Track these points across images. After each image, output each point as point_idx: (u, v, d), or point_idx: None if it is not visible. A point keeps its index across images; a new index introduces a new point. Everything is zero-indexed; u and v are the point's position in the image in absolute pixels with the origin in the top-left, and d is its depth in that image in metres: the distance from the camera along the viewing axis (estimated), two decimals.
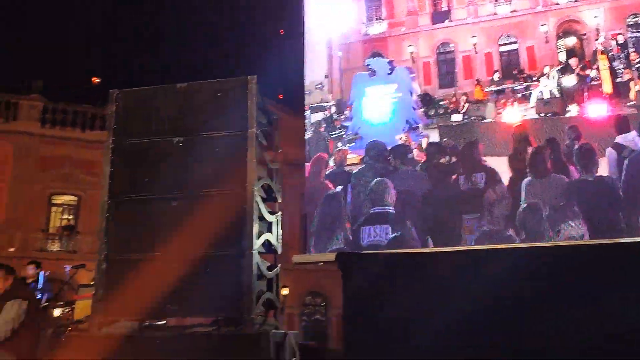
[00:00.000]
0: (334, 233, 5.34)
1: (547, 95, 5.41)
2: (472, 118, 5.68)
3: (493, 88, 5.73)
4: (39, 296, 6.83)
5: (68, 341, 3.11)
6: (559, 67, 5.45)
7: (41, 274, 7.66)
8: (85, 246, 21.08)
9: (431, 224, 5.07)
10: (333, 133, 6.04)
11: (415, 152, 5.59)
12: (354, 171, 5.56)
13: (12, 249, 18.73)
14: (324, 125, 6.12)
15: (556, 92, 5.36)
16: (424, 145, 5.60)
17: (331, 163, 5.81)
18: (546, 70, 5.51)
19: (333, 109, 6.16)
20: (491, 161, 5.12)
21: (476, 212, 4.97)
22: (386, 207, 5.21)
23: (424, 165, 5.42)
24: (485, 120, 5.60)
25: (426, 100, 5.90)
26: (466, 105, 5.79)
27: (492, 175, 5.03)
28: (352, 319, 3.44)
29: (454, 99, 5.87)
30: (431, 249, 4.78)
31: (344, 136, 5.96)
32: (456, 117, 5.75)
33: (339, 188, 5.46)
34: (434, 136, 5.63)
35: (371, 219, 5.20)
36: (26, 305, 4.53)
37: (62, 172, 21.89)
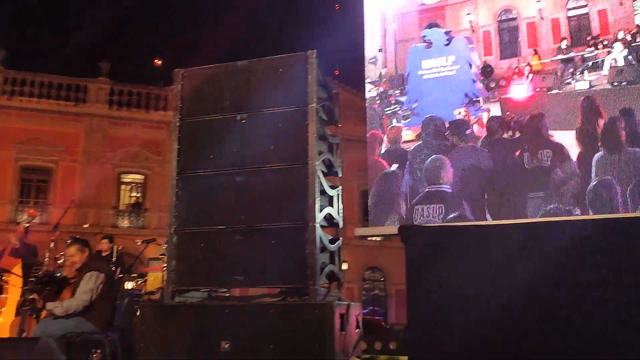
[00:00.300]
0: (388, 214, 5.30)
1: (621, 63, 5.10)
2: (537, 89, 5.44)
3: (560, 57, 5.45)
4: (112, 269, 7.18)
5: (142, 309, 3.27)
6: (636, 31, 5.10)
7: (114, 248, 8.05)
8: (153, 222, 22.02)
9: (492, 203, 4.91)
10: (387, 109, 5.90)
11: (475, 128, 5.36)
12: (410, 148, 5.43)
13: (86, 225, 19.77)
14: (378, 102, 5.98)
15: (631, 59, 5.05)
16: (485, 119, 5.39)
17: (385, 140, 5.69)
18: (620, 35, 5.17)
19: (387, 84, 6.00)
20: (558, 135, 4.88)
21: (542, 190, 4.78)
22: (442, 186, 5.08)
23: (484, 141, 5.20)
24: (552, 92, 5.33)
25: (486, 71, 5.62)
26: (530, 75, 5.53)
27: (559, 152, 4.82)
28: (414, 291, 3.46)
29: (516, 70, 5.60)
30: (495, 222, 4.66)
31: (399, 112, 5.79)
32: (519, 89, 5.48)
33: (394, 167, 5.37)
34: (496, 110, 5.36)
35: (425, 199, 5.09)
36: (102, 277, 4.81)
37: (129, 152, 22.80)
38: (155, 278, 6.72)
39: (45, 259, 6.83)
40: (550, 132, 4.90)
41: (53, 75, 22.11)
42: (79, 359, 4.72)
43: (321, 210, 3.23)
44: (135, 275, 7.60)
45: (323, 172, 3.35)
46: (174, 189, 3.44)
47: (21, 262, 6.02)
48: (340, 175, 3.63)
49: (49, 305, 4.73)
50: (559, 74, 5.31)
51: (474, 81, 5.55)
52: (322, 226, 3.23)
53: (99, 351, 5.31)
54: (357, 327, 3.29)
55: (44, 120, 22.03)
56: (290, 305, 2.98)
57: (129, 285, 6.72)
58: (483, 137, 5.22)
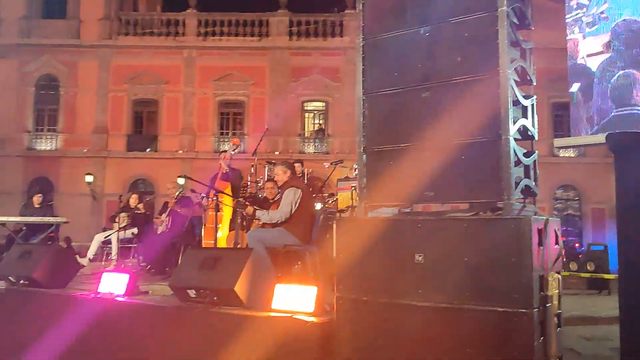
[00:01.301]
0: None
1: None
2: None
3: None
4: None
5: (338, 225, 3.49)
6: None
7: (305, 171, 8.61)
8: (336, 147, 22.99)
9: None
10: (568, 15, 5.03)
11: None
12: (597, 63, 4.64)
13: (277, 152, 21.42)
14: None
15: None
16: None
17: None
18: None
19: None
20: None
21: None
22: (634, 109, 4.34)
23: None
24: None
25: None
26: None
27: None
28: (626, 209, 3.18)
29: None
30: None
31: (583, 18, 5.00)
32: None
33: (576, 86, 4.70)
34: None
35: (613, 124, 4.40)
36: (300, 192, 5.25)
37: (310, 81, 23.75)
38: (344, 197, 7.11)
39: (248, 182, 7.60)
40: None
41: (238, 13, 23.58)
42: (284, 267, 5.29)
43: (515, 122, 3.06)
44: (326, 195, 8.12)
45: (515, 81, 3.14)
46: (360, 110, 3.53)
47: (230, 185, 6.77)
48: (534, 83, 3.37)
49: (258, 212, 5.35)
50: None
51: None
52: (515, 139, 3.07)
53: (299, 263, 5.86)
54: (556, 242, 3.14)
55: (234, 57, 23.82)
56: (484, 220, 2.93)
57: (317, 206, 7.18)
58: None
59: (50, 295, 4.86)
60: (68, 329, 4.38)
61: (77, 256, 7.48)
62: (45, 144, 24.24)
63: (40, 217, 8.23)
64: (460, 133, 3.07)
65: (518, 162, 3.07)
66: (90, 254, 7.82)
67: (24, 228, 8.47)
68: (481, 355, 2.78)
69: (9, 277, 5.24)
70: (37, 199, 8.92)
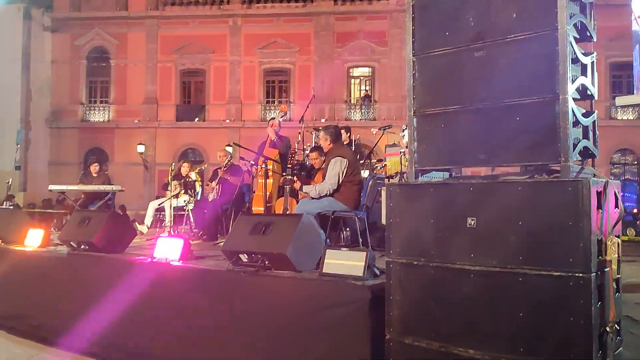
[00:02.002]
0: None
1: None
2: None
3: None
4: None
5: (388, 190, 3.46)
6: None
7: (352, 138, 8.56)
8: (382, 113, 22.77)
9: None
10: None
11: None
12: None
13: (323, 120, 21.38)
14: None
15: None
16: None
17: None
18: None
19: None
20: None
21: None
22: None
23: None
24: None
25: None
26: None
27: None
28: None
29: None
30: None
31: None
32: None
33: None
34: None
35: None
36: (346, 162, 5.25)
37: (356, 46, 23.43)
38: (393, 163, 7.06)
39: (296, 150, 7.64)
40: None
41: None
42: (332, 233, 5.34)
43: (573, 81, 2.92)
44: (374, 161, 8.08)
45: (575, 37, 2.98)
46: (410, 72, 3.45)
47: (278, 152, 6.82)
48: (595, 39, 3.20)
49: (305, 188, 5.38)
50: None
51: None
52: (574, 99, 2.94)
53: (348, 229, 5.90)
54: (616, 205, 3.02)
55: (278, 24, 23.73)
56: (539, 183, 2.84)
57: (365, 173, 7.16)
58: None
59: (110, 259, 5.07)
60: (126, 292, 4.57)
61: (136, 224, 7.77)
62: (98, 116, 25.02)
63: (97, 186, 8.55)
64: (515, 93, 2.96)
65: (576, 123, 2.94)
66: (147, 220, 8.10)
67: (83, 196, 8.83)
68: (535, 319, 2.73)
69: (71, 243, 5.49)
70: (94, 168, 9.27)
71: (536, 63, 2.91)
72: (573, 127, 2.87)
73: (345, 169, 5.25)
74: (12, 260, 5.96)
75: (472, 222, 2.97)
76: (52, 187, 8.87)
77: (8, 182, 11.26)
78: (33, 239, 6.01)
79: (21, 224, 6.38)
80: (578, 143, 2.95)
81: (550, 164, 2.91)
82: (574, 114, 2.90)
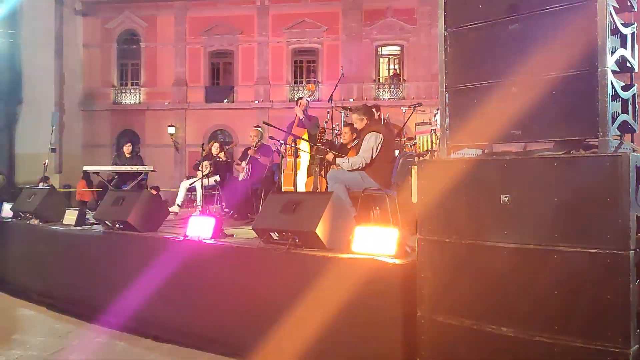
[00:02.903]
0: None
1: None
2: None
3: None
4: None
5: (420, 167, 3.43)
6: None
7: (381, 116, 8.47)
8: (412, 92, 22.49)
9: None
10: None
11: None
12: None
13: (351, 100, 21.25)
14: None
15: None
16: None
17: None
18: None
19: None
20: None
21: None
22: None
23: None
24: None
25: None
26: None
27: None
28: None
29: None
30: None
31: None
32: None
33: None
34: None
35: None
36: (381, 137, 5.21)
37: (384, 24, 23.11)
38: (423, 141, 7.00)
39: (325, 129, 7.61)
40: None
41: None
42: (363, 211, 5.32)
43: (612, 53, 2.83)
44: (404, 139, 8.01)
45: (614, 7, 2.88)
46: (442, 46, 3.38)
47: (306, 132, 6.81)
48: (635, 9, 3.08)
49: (338, 160, 5.38)
50: None
51: None
52: (613, 71, 2.84)
53: (378, 207, 5.88)
54: None
55: (306, 4, 23.53)
56: (577, 159, 2.77)
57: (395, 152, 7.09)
58: None
59: (144, 238, 5.18)
60: (160, 269, 4.66)
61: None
62: (129, 98, 25.36)
63: (130, 167, 8.70)
64: (551, 66, 2.88)
65: (615, 96, 2.85)
66: (179, 200, 8.22)
67: (116, 177, 9.00)
68: (570, 298, 2.69)
69: (106, 222, 5.61)
70: (127, 149, 9.43)
71: (574, 35, 2.82)
72: (612, 100, 2.78)
73: (380, 145, 5.21)
74: (49, 239, 6.13)
75: (506, 199, 2.92)
76: (86, 167, 9.06)
77: (45, 164, 11.54)
78: (69, 218, 6.16)
79: (58, 204, 6.56)
80: (617, 117, 2.86)
81: (587, 139, 2.83)
82: (613, 87, 2.81)
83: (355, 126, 5.63)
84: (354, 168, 5.19)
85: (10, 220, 6.97)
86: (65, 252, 5.89)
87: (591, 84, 2.74)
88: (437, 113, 6.24)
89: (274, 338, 3.97)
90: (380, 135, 5.21)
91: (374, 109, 8.56)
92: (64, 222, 6.18)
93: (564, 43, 2.86)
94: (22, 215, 6.73)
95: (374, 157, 5.16)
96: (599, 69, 2.72)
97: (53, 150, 20.75)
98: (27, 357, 4.20)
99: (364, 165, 5.16)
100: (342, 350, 3.64)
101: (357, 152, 5.32)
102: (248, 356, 4.04)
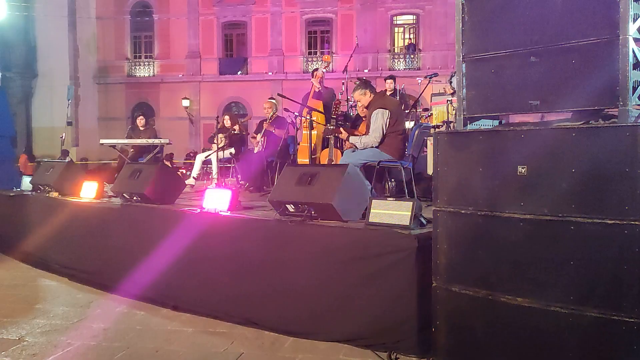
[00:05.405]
0: None
1: None
2: None
3: None
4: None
5: (436, 138, 3.41)
6: None
7: (397, 87, 8.41)
8: (427, 62, 22.19)
9: None
10: None
11: None
12: None
13: (367, 70, 21.04)
14: None
15: None
16: None
17: None
18: None
19: None
20: None
21: None
22: None
23: None
24: None
25: None
26: None
27: None
28: None
29: None
30: None
31: None
32: None
33: None
34: None
35: None
36: (388, 113, 5.16)
37: None
38: (439, 112, 6.93)
39: (339, 100, 7.58)
40: None
41: None
42: (378, 184, 5.32)
43: (634, 20, 2.75)
44: (420, 111, 7.94)
45: None
46: (459, 15, 3.31)
47: (322, 103, 6.78)
48: None
49: (352, 139, 5.36)
50: None
51: None
52: (635, 39, 2.77)
53: (393, 179, 5.87)
54: None
55: None
56: (596, 129, 2.73)
57: (410, 124, 7.06)
58: None
59: (161, 210, 5.24)
60: (178, 241, 4.73)
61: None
62: (143, 71, 25.35)
63: (145, 139, 8.75)
64: (571, 34, 2.81)
65: (637, 65, 2.78)
66: (195, 172, 8.28)
67: (132, 150, 9.07)
68: (586, 268, 2.68)
69: (123, 194, 5.69)
70: (140, 122, 9.47)
71: (594, 1, 2.75)
72: (633, 69, 2.72)
73: (388, 120, 5.18)
74: (69, 211, 6.23)
75: (523, 170, 2.90)
76: (103, 141, 9.14)
77: (62, 137, 11.66)
78: (88, 191, 6.25)
79: (76, 177, 6.64)
80: (638, 87, 2.79)
81: (607, 108, 2.78)
82: (635, 56, 2.74)
83: (360, 104, 5.58)
84: (368, 147, 5.17)
85: (30, 193, 7.10)
86: (84, 225, 5.99)
87: (612, 52, 2.68)
88: (453, 76, 6.16)
89: (289, 308, 4.04)
90: (387, 110, 5.17)
91: (389, 80, 8.50)
92: (82, 195, 6.27)
93: (584, 10, 2.79)
94: (42, 188, 6.84)
95: (384, 133, 5.13)
96: (620, 37, 2.66)
97: (69, 123, 20.93)
98: (51, 325, 4.32)
99: (376, 143, 5.15)
100: (357, 320, 3.70)
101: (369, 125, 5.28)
102: (264, 324, 4.11)
